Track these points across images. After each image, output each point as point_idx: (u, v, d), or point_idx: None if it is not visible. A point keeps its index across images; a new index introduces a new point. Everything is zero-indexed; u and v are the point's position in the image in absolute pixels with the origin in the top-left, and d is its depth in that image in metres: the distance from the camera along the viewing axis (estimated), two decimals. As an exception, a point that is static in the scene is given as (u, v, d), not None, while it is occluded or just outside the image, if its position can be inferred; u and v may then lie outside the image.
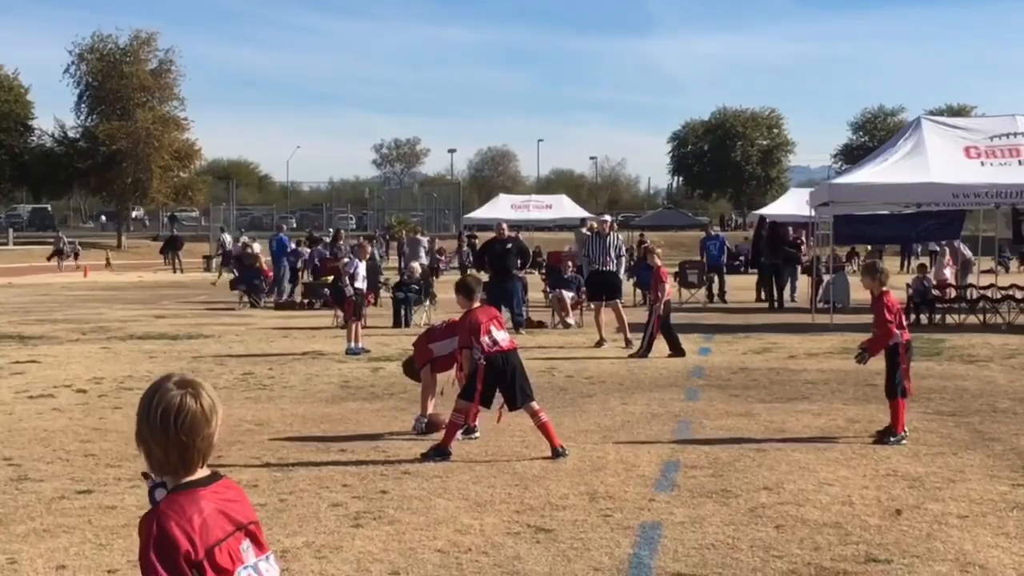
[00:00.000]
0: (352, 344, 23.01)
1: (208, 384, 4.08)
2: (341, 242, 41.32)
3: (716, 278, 40.15)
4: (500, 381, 12.72)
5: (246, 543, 4.01)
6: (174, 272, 64.18)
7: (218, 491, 4.03)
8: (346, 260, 26.76)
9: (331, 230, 49.65)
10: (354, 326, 23.39)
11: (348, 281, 23.87)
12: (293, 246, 42.23)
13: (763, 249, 38.52)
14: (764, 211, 64.20)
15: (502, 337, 12.89)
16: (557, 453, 12.64)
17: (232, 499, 4.06)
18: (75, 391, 18.01)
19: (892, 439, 13.35)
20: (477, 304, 13.20)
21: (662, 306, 22.27)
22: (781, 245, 37.71)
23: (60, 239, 74.58)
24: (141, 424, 4.04)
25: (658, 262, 22.90)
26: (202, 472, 4.04)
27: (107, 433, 14.30)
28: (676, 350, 22.12)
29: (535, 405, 12.88)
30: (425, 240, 43.66)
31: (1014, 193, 28.31)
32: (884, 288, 13.80)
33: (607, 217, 27.56)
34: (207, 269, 66.98)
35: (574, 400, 16.81)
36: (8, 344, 25.06)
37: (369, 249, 28.33)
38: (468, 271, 41.20)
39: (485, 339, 12.71)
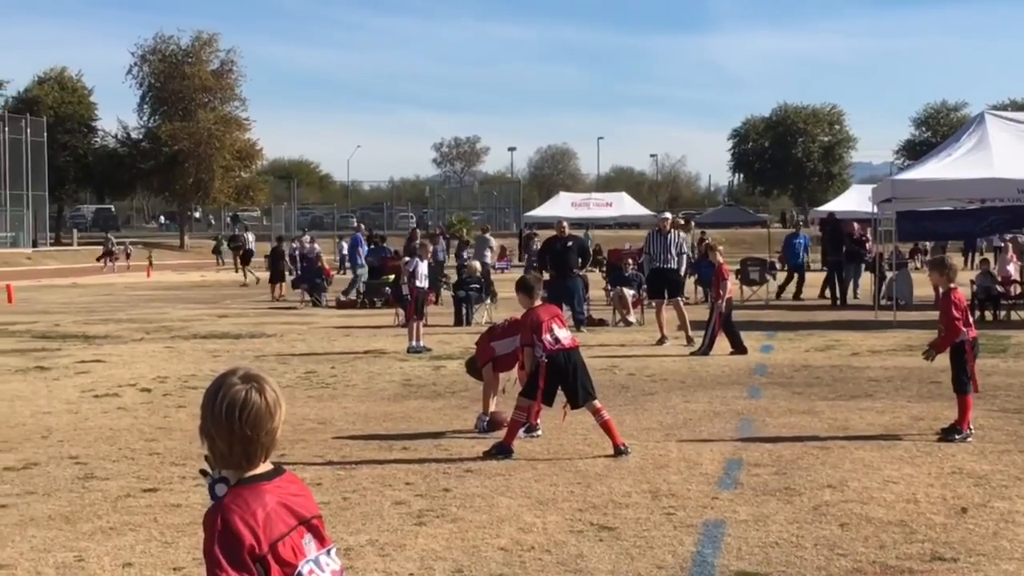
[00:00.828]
0: (414, 343, 23.07)
1: (272, 379, 4.12)
2: (416, 242, 41.24)
3: (796, 276, 39.96)
4: (562, 379, 12.72)
5: (308, 537, 4.04)
6: (236, 272, 64.57)
7: (281, 485, 4.05)
8: (407, 259, 26.83)
9: (412, 229, 49.39)
10: (415, 325, 23.45)
11: (408, 280, 23.93)
12: (368, 245, 42.20)
13: (826, 246, 38.34)
14: (826, 207, 63.98)
15: (564, 335, 12.88)
16: (619, 451, 12.62)
17: (295, 493, 4.09)
18: (140, 390, 18.15)
19: (958, 436, 13.25)
20: (538, 302, 13.20)
21: (724, 304, 22.20)
22: (843, 242, 37.50)
23: (109, 240, 75.01)
24: (205, 417, 4.07)
25: (720, 259, 22.83)
26: (265, 467, 4.07)
27: (172, 432, 14.40)
28: (738, 347, 22.04)
29: (597, 403, 12.86)
30: (492, 239, 43.42)
31: (1079, 188, 28.03)
32: (952, 284, 13.70)
33: (668, 215, 27.47)
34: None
35: (636, 398, 16.79)
36: (73, 343, 25.30)
37: (431, 248, 28.38)
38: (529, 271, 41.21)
39: (547, 337, 12.70)
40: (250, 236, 60.66)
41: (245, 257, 55.58)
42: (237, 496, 3.96)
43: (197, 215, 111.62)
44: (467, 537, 9.35)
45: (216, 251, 74.30)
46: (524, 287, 13.29)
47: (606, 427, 12.75)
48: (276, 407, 4.08)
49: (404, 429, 14.43)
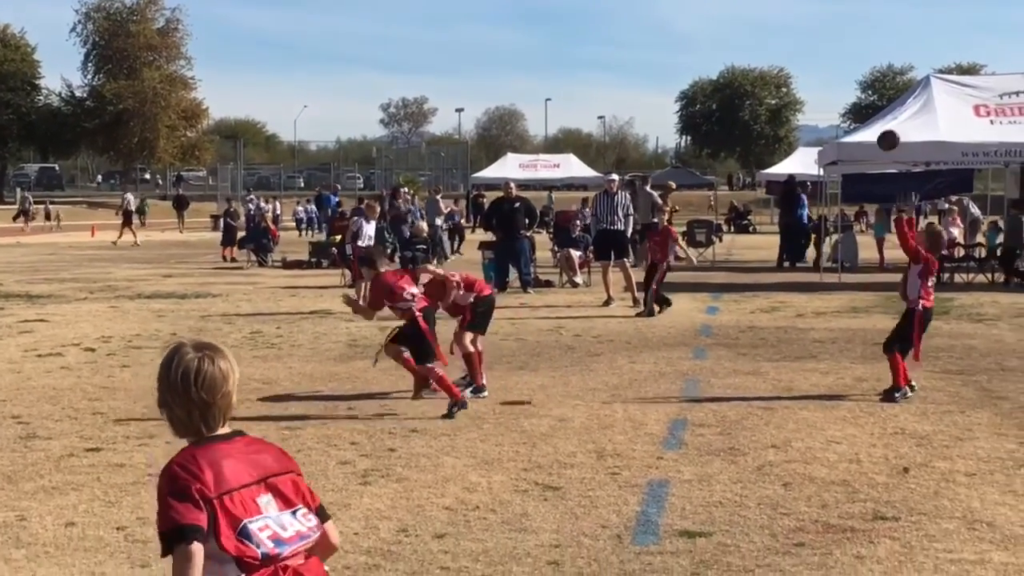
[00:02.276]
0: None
1: (226, 348, 4.21)
2: (400, 200, 40.68)
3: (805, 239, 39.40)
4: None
5: (267, 497, 4.10)
6: (180, 232, 64.18)
7: (238, 446, 4.17)
8: (354, 219, 26.72)
9: (392, 187, 48.46)
10: (362, 285, 23.34)
11: (351, 240, 23.87)
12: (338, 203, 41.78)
13: (781, 208, 38.40)
14: (773, 170, 64.16)
15: (417, 291, 13.47)
16: (419, 391, 13.35)
17: (255, 452, 4.19)
18: (83, 349, 18.03)
19: (897, 394, 13.34)
20: (384, 269, 13.61)
21: (667, 265, 22.31)
22: (795, 204, 37.57)
23: (26, 199, 74.06)
24: (163, 389, 4.19)
25: (666, 220, 22.93)
26: (224, 430, 4.20)
27: (115, 391, 14.32)
28: (664, 302, 22.24)
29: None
30: (441, 200, 43.09)
31: (1023, 151, 28.23)
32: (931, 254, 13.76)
33: (615, 176, 27.44)
34: (215, 228, 66.98)
35: (582, 359, 16.82)
36: (16, 303, 25.09)
37: (377, 209, 28.23)
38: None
39: (412, 291, 13.31)
40: (130, 197, 59.66)
41: (127, 218, 54.64)
42: (186, 452, 4.10)
43: (147, 175, 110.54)
44: (412, 497, 9.35)
45: (140, 211, 73.47)
46: (366, 262, 13.95)
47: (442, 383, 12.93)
48: (229, 372, 4.22)
49: (350, 389, 14.41)
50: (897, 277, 15.62)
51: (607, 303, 24.04)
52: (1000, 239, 31.44)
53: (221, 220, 44.17)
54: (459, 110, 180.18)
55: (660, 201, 37.50)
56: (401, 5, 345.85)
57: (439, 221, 40.30)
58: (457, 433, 11.77)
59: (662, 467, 10.34)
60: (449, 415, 12.54)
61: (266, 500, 4.09)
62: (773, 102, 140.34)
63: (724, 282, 29.93)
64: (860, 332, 19.18)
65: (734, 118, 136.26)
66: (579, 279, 29.13)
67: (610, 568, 7.59)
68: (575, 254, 29.62)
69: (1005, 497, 9.23)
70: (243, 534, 3.98)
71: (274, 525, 4.07)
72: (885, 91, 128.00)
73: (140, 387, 14.58)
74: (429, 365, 12.95)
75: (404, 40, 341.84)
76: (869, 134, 30.19)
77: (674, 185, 47.06)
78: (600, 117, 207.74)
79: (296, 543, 4.13)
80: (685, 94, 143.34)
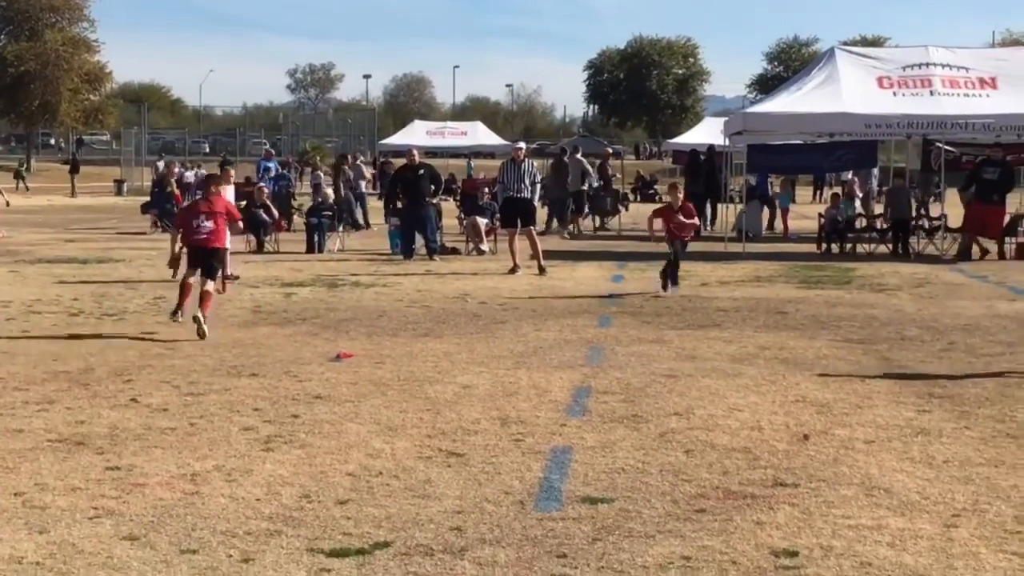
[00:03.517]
0: None
1: None
2: (347, 166, 40.21)
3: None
4: None
5: None
6: (72, 196, 63.35)
7: None
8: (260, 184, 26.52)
9: (341, 153, 47.60)
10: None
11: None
12: (277, 170, 41.20)
13: (687, 178, 38.56)
14: (679, 140, 64.40)
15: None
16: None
17: None
18: (-18, 314, 17.78)
19: None
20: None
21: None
22: (712, 175, 37.69)
23: None
24: None
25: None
26: None
27: (15, 356, 14.13)
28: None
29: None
30: (364, 167, 42.60)
31: (925, 123, 28.58)
32: None
33: (522, 144, 27.43)
34: (118, 193, 66.30)
35: (487, 326, 16.83)
36: (-86, 267, 24.69)
37: (232, 175, 27.89)
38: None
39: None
40: None
41: None
42: None
43: (52, 141, 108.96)
44: (315, 463, 9.32)
45: (18, 175, 72.29)
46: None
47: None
48: None
49: (253, 355, 14.32)
50: (800, 247, 15.85)
51: (513, 271, 24.07)
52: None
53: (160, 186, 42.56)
54: (367, 76, 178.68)
55: (591, 168, 37.64)
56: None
57: (363, 187, 39.95)
58: (361, 400, 11.75)
59: (565, 434, 10.37)
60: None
61: None
62: (680, 72, 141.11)
63: (630, 251, 30.03)
64: (764, 301, 19.35)
65: (641, 88, 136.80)
66: (485, 247, 29.13)
67: (512, 534, 7.61)
68: (482, 221, 29.61)
69: (903, 464, 9.35)
70: None
71: None
72: (791, 62, 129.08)
73: (40, 352, 14.41)
74: None
75: (312, 5, 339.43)
76: (774, 104, 30.44)
77: (611, 151, 47.15)
78: (508, 85, 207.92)
79: None
80: (593, 63, 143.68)
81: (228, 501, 8.30)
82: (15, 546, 7.33)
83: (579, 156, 38.11)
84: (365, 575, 6.87)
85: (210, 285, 16.46)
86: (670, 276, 20.79)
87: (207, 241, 16.63)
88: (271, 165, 41.24)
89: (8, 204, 41.08)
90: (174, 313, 16.46)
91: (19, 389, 12.22)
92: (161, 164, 52.45)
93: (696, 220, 21.67)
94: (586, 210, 38.50)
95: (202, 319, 15.53)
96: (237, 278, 22.10)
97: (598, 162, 42.78)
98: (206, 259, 16.58)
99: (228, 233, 17.59)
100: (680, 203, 21.26)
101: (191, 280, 16.54)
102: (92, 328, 16.60)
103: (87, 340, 15.46)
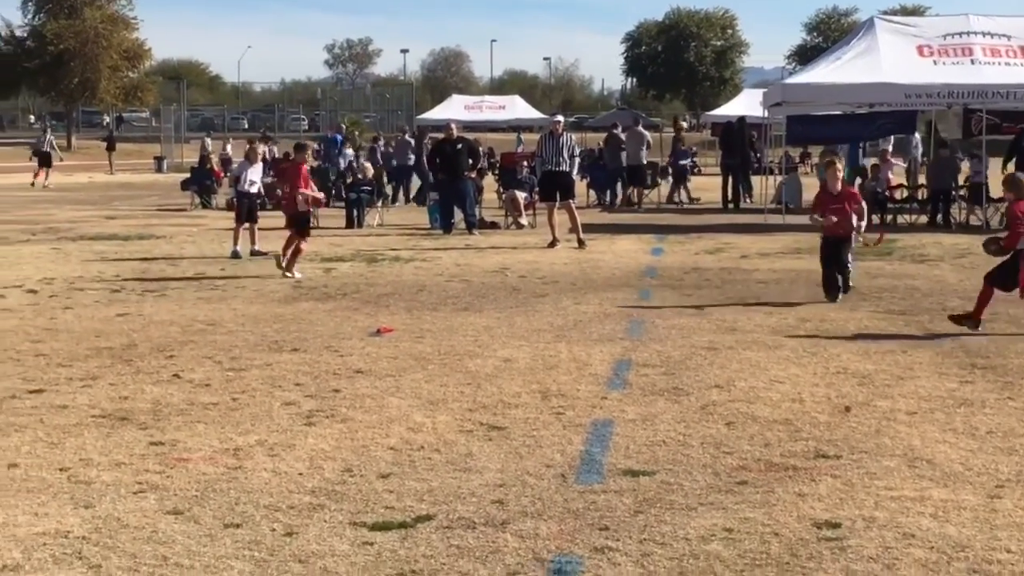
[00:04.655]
0: (236, 247, 22.81)
1: None
2: (427, 140, 40.10)
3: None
4: None
5: None
6: (110, 173, 63.41)
7: None
8: (238, 163, 26.63)
9: (416, 129, 47.35)
10: (239, 229, 23.09)
11: (232, 184, 23.93)
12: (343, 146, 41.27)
13: (723, 149, 38.48)
14: (718, 112, 64.19)
15: None
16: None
17: None
18: (25, 291, 17.90)
19: (967, 324, 14.05)
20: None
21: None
22: (744, 146, 37.62)
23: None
24: None
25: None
26: None
27: (58, 333, 14.23)
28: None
29: None
30: (412, 140, 42.37)
31: (966, 93, 28.38)
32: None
33: (560, 117, 27.35)
34: (158, 170, 66.44)
35: (527, 300, 16.83)
36: (-43, 245, 24.86)
37: (261, 151, 27.92)
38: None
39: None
40: (51, 138, 57.70)
41: (44, 160, 52.79)
42: None
43: (107, 119, 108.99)
44: (356, 437, 9.36)
45: (38, 154, 71.85)
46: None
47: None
48: None
49: (294, 331, 14.37)
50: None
51: (552, 244, 24.07)
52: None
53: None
54: (404, 51, 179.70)
55: (651, 140, 37.63)
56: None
57: (412, 161, 39.89)
58: (402, 374, 11.78)
59: (606, 407, 10.38)
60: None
61: None
62: (718, 44, 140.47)
63: (669, 223, 30.00)
64: (804, 273, 19.27)
65: (680, 60, 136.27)
66: (524, 220, 29.12)
67: (554, 507, 7.62)
68: (520, 195, 29.60)
69: (945, 435, 9.32)
70: None
71: None
72: (830, 32, 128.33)
73: (83, 329, 14.51)
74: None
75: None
76: (813, 75, 30.28)
77: (684, 124, 46.96)
78: (546, 59, 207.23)
79: None
80: (631, 35, 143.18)
81: (271, 475, 8.34)
82: (61, 520, 7.39)
83: (640, 128, 38.05)
84: (408, 548, 6.89)
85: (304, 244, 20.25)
86: (829, 281, 16.52)
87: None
88: (339, 139, 41.42)
89: (62, 159, 41.32)
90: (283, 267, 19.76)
91: (63, 365, 12.30)
92: (209, 142, 52.56)
93: (862, 206, 17.00)
94: (648, 182, 38.49)
95: (283, 261, 19.73)
96: (265, 254, 22.21)
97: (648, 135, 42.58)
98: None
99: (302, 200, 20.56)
100: (838, 185, 16.99)
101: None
102: (134, 304, 16.69)
103: (130, 316, 15.54)
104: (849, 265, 16.75)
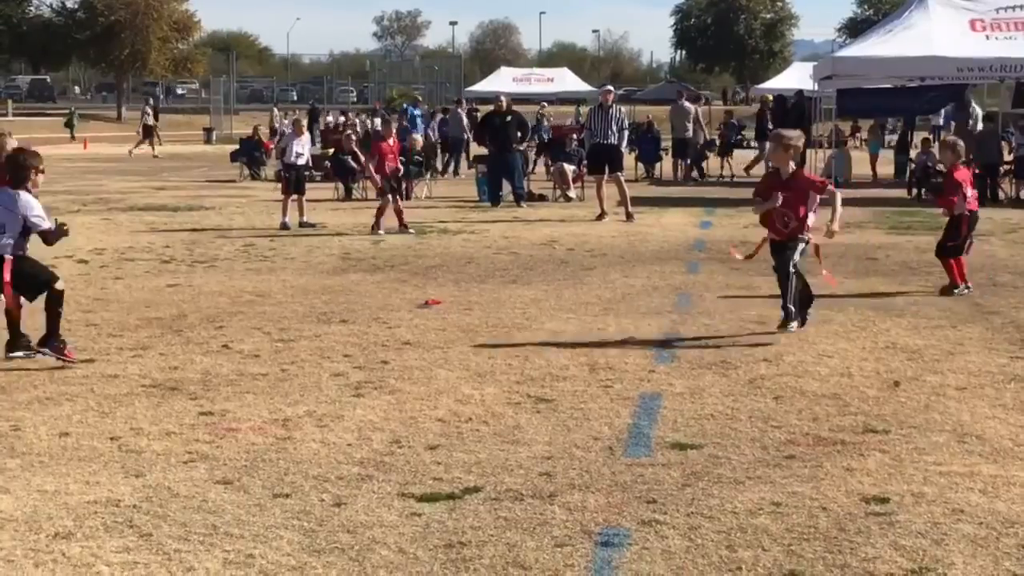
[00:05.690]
0: (285, 218, 22.89)
1: None
2: (479, 113, 40.08)
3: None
4: None
5: None
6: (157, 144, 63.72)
7: None
8: (284, 135, 26.81)
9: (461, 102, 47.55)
10: (287, 200, 23.13)
11: (279, 156, 24.11)
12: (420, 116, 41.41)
13: (775, 124, 38.29)
14: (767, 85, 63.83)
15: None
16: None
17: None
18: (76, 262, 18.01)
19: (955, 291, 14.73)
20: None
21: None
22: (789, 120, 37.41)
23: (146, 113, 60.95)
24: None
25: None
26: None
27: (108, 303, 14.34)
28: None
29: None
30: (463, 113, 42.21)
31: (1019, 67, 28.14)
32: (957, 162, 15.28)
33: (610, 88, 27.23)
34: (207, 142, 66.66)
35: (575, 272, 16.83)
36: (9, 215, 24.99)
37: (305, 124, 28.04)
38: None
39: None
40: (150, 110, 57.99)
41: (147, 131, 54.74)
42: None
43: (159, 92, 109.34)
44: (405, 408, 9.39)
45: (68, 124, 72.31)
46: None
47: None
48: None
49: (343, 302, 14.42)
50: (890, 193, 15.73)
51: (600, 217, 24.04)
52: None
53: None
54: (453, 23, 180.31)
55: (701, 116, 37.48)
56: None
57: (466, 136, 39.75)
58: (450, 346, 11.80)
59: (654, 380, 10.38)
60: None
61: None
62: (768, 16, 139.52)
63: (717, 196, 29.89)
64: (853, 247, 19.18)
65: (729, 32, 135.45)
66: (572, 193, 29.09)
67: (602, 479, 7.63)
68: (569, 168, 29.55)
69: (995, 411, 9.27)
70: None
71: None
72: (881, 5, 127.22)
73: (133, 299, 14.60)
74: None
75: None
76: (864, 48, 30.09)
77: (704, 100, 46.82)
78: (595, 31, 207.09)
79: None
80: (680, 8, 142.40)
81: (319, 446, 8.39)
82: (112, 489, 7.46)
83: (683, 103, 37.87)
84: (455, 520, 6.92)
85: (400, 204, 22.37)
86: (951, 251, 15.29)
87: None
88: (418, 113, 41.49)
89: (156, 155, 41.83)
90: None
91: (113, 335, 12.39)
92: (278, 116, 52.93)
93: (967, 192, 15.37)
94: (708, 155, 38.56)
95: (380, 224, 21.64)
96: (313, 225, 22.31)
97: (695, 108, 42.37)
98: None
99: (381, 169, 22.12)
100: (952, 167, 15.80)
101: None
102: (184, 275, 16.77)
103: (179, 287, 15.63)
104: (793, 275, 12.26)
